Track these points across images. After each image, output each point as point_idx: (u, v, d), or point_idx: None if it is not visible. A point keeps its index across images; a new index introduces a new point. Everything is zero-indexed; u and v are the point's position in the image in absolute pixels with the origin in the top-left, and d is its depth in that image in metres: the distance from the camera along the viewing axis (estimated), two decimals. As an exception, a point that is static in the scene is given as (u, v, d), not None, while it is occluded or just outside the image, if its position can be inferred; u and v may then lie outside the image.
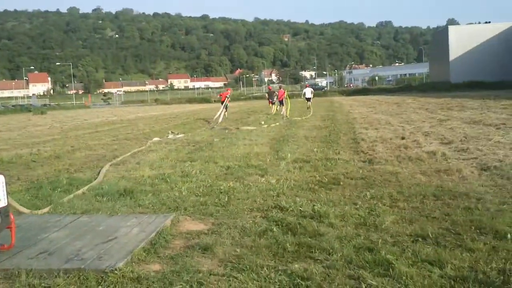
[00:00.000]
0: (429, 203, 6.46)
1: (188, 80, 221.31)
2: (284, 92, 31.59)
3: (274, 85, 69.68)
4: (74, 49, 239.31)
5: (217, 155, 12.14)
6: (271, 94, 34.66)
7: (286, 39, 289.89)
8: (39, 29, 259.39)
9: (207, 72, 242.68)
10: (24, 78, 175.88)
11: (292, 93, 51.71)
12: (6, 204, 5.00)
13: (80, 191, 8.05)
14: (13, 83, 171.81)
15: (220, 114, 26.65)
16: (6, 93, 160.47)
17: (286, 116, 27.02)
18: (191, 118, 31.98)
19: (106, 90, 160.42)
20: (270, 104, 34.26)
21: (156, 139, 17.37)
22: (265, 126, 21.18)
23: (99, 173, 10.10)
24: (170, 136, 18.32)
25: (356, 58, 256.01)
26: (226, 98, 29.00)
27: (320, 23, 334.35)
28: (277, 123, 22.54)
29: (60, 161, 12.59)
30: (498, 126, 15.50)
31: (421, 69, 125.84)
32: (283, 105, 29.64)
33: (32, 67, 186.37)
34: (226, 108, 28.85)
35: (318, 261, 4.57)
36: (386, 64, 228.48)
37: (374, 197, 6.92)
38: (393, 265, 4.28)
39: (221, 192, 7.65)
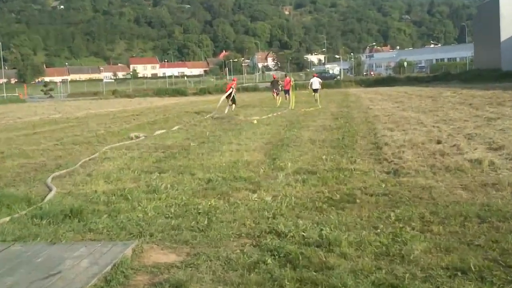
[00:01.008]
0: (472, 227, 6.50)
1: (157, 65, 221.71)
2: (290, 80, 35.12)
3: (276, 72, 71.53)
4: (5, 25, 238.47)
5: (194, 164, 12.15)
6: (275, 83, 38.06)
7: (286, 13, 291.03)
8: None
9: (182, 55, 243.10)
10: None
11: (295, 82, 51.57)
12: None
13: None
14: None
15: (221, 102, 31.52)
16: None
17: (291, 107, 30.47)
18: (161, 116, 31.94)
19: (47, 79, 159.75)
20: (275, 95, 37.27)
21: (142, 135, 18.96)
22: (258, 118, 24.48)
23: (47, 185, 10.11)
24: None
25: (379, 38, 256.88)
26: (231, 88, 32.46)
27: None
28: (277, 113, 26.79)
29: (-15, 172, 12.55)
30: None
31: (463, 53, 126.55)
32: (289, 95, 33.21)
33: None
34: (234, 101, 32.60)
35: (326, 302, 4.60)
36: (417, 46, 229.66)
37: (401, 219, 6.95)
38: (424, 308, 4.31)
39: (199, 213, 7.67)
